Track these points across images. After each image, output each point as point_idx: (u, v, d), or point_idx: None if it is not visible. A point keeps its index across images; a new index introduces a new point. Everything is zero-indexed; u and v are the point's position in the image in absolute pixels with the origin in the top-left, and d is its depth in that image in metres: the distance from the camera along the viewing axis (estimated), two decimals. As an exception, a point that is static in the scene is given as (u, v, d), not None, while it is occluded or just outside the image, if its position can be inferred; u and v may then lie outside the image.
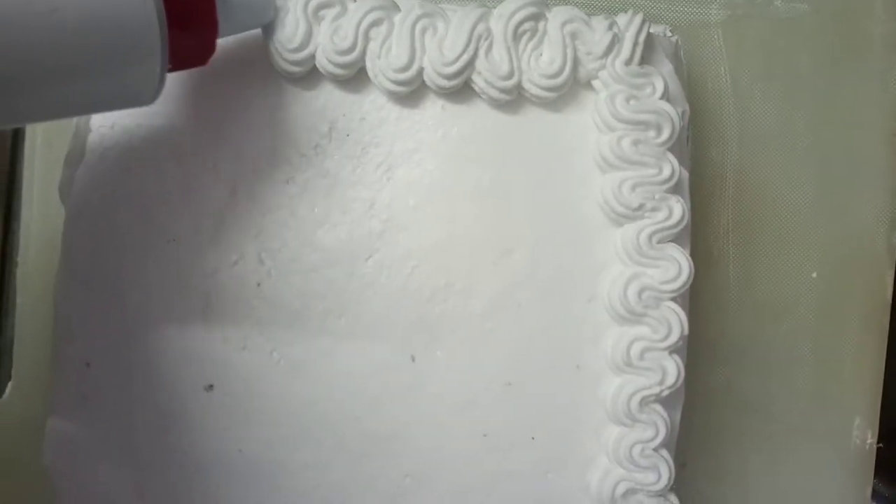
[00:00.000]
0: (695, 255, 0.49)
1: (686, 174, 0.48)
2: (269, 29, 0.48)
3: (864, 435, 0.58)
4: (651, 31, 0.49)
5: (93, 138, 0.50)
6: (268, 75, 0.50)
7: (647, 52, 0.48)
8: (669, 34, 0.55)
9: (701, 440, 0.58)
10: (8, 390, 0.62)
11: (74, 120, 0.52)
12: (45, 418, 0.52)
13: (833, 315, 0.58)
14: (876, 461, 0.59)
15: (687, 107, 0.49)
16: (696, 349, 0.51)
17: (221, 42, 0.44)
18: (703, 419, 0.57)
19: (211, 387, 0.50)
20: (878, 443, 0.58)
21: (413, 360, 0.49)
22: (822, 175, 0.58)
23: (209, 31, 0.43)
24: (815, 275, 0.58)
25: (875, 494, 0.59)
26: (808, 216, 0.58)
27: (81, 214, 0.50)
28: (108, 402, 0.51)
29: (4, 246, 0.65)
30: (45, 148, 0.61)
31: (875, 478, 0.59)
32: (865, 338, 0.58)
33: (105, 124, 0.50)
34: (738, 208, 0.58)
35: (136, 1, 0.37)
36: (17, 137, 0.64)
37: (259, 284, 0.49)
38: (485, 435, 0.49)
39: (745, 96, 0.58)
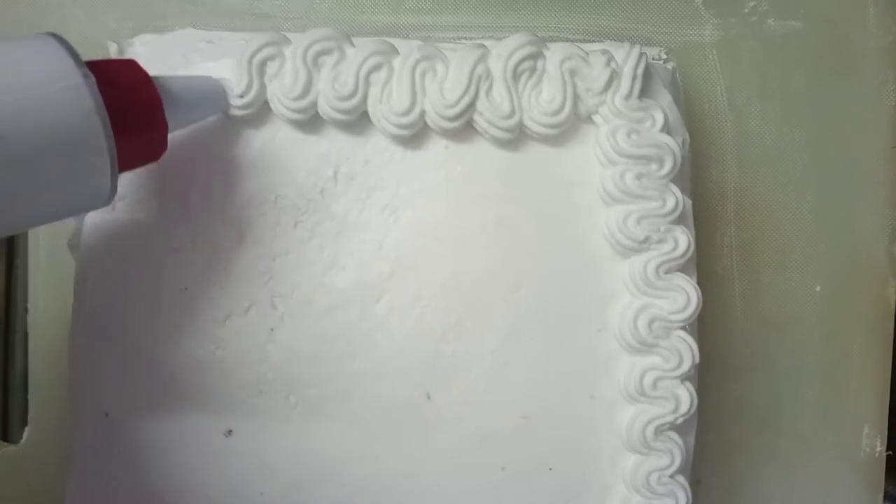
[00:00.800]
0: (700, 274, 0.50)
1: (689, 203, 0.48)
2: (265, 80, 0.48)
3: (873, 443, 0.59)
4: (646, 54, 0.49)
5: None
6: (270, 121, 0.50)
7: (646, 83, 0.48)
8: (664, 57, 0.55)
9: (714, 456, 0.58)
10: (25, 436, 0.62)
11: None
12: (65, 465, 0.53)
13: (838, 327, 0.59)
14: (886, 467, 0.59)
15: (687, 135, 0.50)
16: (706, 366, 0.51)
17: None
18: (716, 435, 0.58)
19: (230, 432, 0.50)
20: (887, 450, 0.59)
21: (428, 397, 0.49)
22: (822, 190, 0.58)
23: (158, 132, 0.43)
24: (818, 288, 0.59)
25: (887, 497, 0.60)
26: (809, 231, 0.58)
27: (92, 266, 0.51)
28: (128, 451, 0.51)
29: (8, 288, 0.66)
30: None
31: (886, 482, 0.60)
32: (871, 347, 0.59)
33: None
34: (741, 226, 0.59)
35: (82, 117, 0.38)
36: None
37: (272, 329, 0.50)
38: (503, 468, 0.49)
39: (743, 115, 0.58)
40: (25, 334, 0.63)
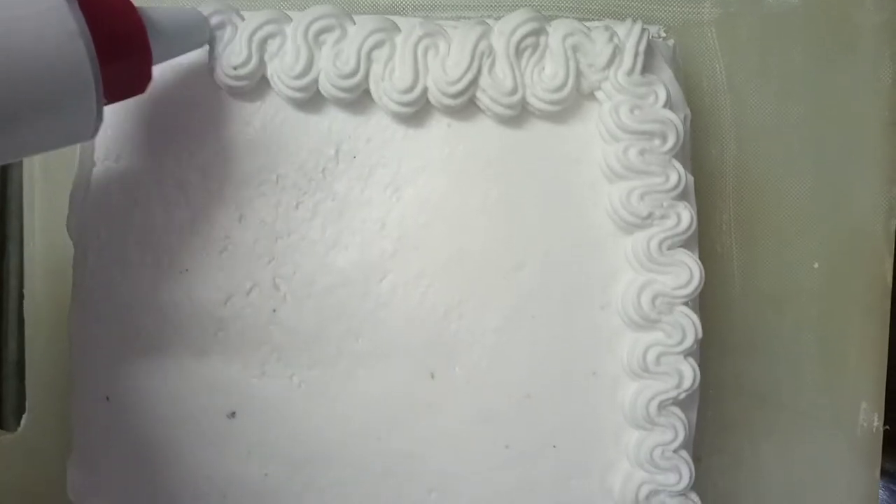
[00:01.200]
0: (700, 251, 0.50)
1: (692, 179, 0.48)
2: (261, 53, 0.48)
3: (870, 418, 0.59)
4: (648, 30, 0.49)
5: (97, 172, 0.50)
6: (270, 99, 0.50)
7: (648, 59, 0.48)
8: (664, 35, 0.55)
9: (713, 433, 0.59)
10: (24, 422, 0.62)
11: (77, 153, 0.52)
12: (65, 451, 0.53)
13: (836, 303, 0.59)
14: (883, 442, 0.60)
15: (688, 111, 0.50)
16: (705, 344, 0.51)
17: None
18: (715, 412, 0.58)
19: (233, 413, 0.50)
20: (884, 425, 0.59)
21: (432, 377, 0.49)
22: (820, 167, 0.59)
23: (143, 60, 0.43)
24: (816, 265, 0.59)
25: (884, 473, 0.61)
26: (807, 208, 0.59)
27: (90, 249, 0.51)
28: (130, 434, 0.51)
29: (0, 275, 0.66)
30: (43, 177, 0.61)
31: (883, 458, 0.60)
32: (868, 324, 0.59)
33: (109, 157, 0.50)
34: (739, 203, 0.59)
35: (65, 39, 0.37)
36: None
37: (275, 310, 0.50)
38: (507, 446, 0.49)
39: (741, 92, 0.58)
40: (22, 321, 0.63)
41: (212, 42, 0.48)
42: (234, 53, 0.48)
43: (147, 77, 0.44)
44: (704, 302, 0.51)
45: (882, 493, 0.61)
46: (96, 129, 0.41)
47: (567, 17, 0.49)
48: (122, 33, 0.41)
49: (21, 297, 0.63)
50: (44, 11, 0.36)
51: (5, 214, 0.66)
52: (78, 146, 0.51)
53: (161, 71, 0.48)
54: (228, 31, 0.48)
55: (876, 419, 0.59)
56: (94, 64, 0.38)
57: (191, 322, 0.50)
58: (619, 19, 0.53)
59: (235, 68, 0.48)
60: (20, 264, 0.63)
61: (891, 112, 0.58)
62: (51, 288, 0.61)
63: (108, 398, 0.51)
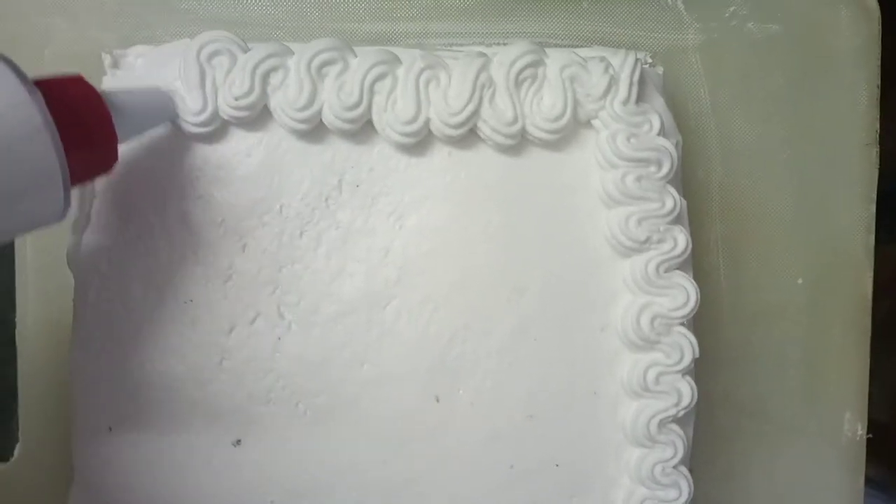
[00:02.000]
0: (689, 271, 0.51)
1: (685, 203, 0.50)
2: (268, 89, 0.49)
3: (854, 428, 0.62)
4: (641, 61, 0.51)
5: (97, 205, 0.51)
6: (273, 130, 0.50)
7: (641, 88, 0.50)
8: (650, 61, 0.57)
9: (704, 446, 0.60)
10: (17, 451, 0.61)
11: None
12: (59, 479, 0.52)
13: (819, 317, 0.61)
14: (867, 451, 0.62)
15: (680, 137, 0.52)
16: (695, 359, 0.53)
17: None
18: (705, 425, 0.60)
19: (239, 442, 0.50)
20: (867, 434, 0.62)
21: (437, 400, 0.50)
22: (802, 186, 0.61)
23: (108, 145, 0.44)
24: (800, 281, 0.61)
25: (868, 481, 0.63)
26: (790, 226, 0.61)
27: (92, 283, 0.51)
28: (133, 464, 0.51)
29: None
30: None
31: (867, 465, 0.63)
32: (850, 336, 0.62)
33: (108, 189, 0.51)
34: (725, 223, 0.61)
35: (30, 133, 0.38)
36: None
37: (280, 339, 0.50)
38: (511, 466, 0.50)
39: (726, 116, 0.60)
40: (14, 348, 0.62)
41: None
42: (235, 84, 0.48)
43: (113, 159, 0.45)
44: (694, 319, 0.52)
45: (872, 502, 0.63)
46: (65, 213, 0.42)
47: (554, 46, 0.51)
48: (88, 122, 0.42)
49: (1, 321, 0.62)
50: (9, 107, 0.37)
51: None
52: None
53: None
54: (227, 60, 0.49)
55: (859, 428, 0.62)
56: (60, 155, 0.39)
57: (195, 352, 0.50)
58: (606, 46, 0.55)
59: (237, 99, 0.48)
60: (13, 290, 0.63)
61: (867, 133, 0.61)
62: (43, 314, 0.61)
63: (110, 429, 0.51)
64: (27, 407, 0.61)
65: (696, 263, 0.58)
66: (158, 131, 0.50)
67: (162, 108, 0.48)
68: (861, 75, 0.60)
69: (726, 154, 0.60)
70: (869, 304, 0.62)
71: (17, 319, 0.61)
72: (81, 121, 0.41)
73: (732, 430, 0.61)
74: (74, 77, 0.43)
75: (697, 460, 0.59)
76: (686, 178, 0.58)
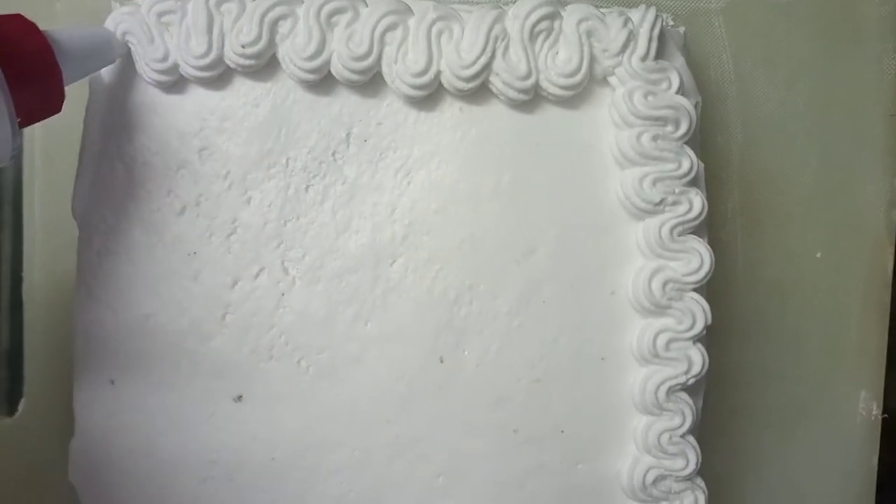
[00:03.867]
0: (705, 239, 0.50)
1: (702, 166, 0.49)
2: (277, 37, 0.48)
3: (869, 407, 0.60)
4: (662, 16, 0.49)
5: (102, 156, 0.50)
6: (281, 81, 0.49)
7: (660, 45, 0.48)
8: (671, 23, 0.55)
9: (714, 420, 0.59)
10: (21, 406, 0.61)
11: (80, 136, 0.51)
12: (64, 435, 0.52)
13: (837, 292, 0.60)
14: (882, 430, 0.61)
15: (699, 98, 0.50)
16: (708, 330, 0.52)
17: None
18: (716, 399, 0.58)
19: (240, 397, 0.50)
20: (883, 413, 0.60)
21: (441, 361, 0.49)
22: (824, 157, 0.59)
23: (53, 80, 0.43)
24: (819, 254, 0.60)
25: (881, 461, 0.61)
26: (811, 197, 0.59)
27: (96, 233, 0.50)
28: (134, 418, 0.51)
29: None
30: (44, 161, 0.60)
31: (881, 445, 0.61)
32: (869, 313, 0.60)
33: (112, 138, 0.50)
34: (744, 192, 0.59)
35: None
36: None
37: (284, 294, 0.49)
38: (515, 431, 0.49)
39: (748, 82, 0.58)
40: (13, 307, 0.62)
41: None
42: (242, 32, 0.47)
43: (60, 96, 0.44)
44: (708, 289, 0.51)
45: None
46: (13, 152, 0.41)
47: (580, 3, 0.49)
48: (29, 56, 0.42)
49: (13, 284, 0.62)
50: None
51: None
52: (81, 130, 0.51)
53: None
54: (236, 6, 0.48)
55: (875, 408, 0.60)
56: (3, 88, 0.39)
57: (198, 305, 0.50)
58: (629, 6, 0.53)
59: (244, 46, 0.47)
60: (12, 251, 0.63)
61: (893, 104, 0.59)
62: (50, 273, 0.60)
63: (112, 382, 0.51)
64: (32, 363, 0.61)
65: (713, 233, 0.57)
66: (164, 79, 0.48)
67: (106, 48, 0.48)
68: (889, 43, 0.58)
69: (747, 121, 0.59)
70: (889, 280, 0.60)
71: (24, 276, 0.61)
72: (23, 56, 0.41)
73: (745, 404, 0.60)
74: (14, 15, 0.42)
75: (706, 434, 0.58)
76: (705, 145, 0.56)
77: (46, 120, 0.48)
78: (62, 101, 0.44)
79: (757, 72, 0.58)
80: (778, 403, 0.60)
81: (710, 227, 0.50)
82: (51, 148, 0.59)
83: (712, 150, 0.58)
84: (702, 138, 0.55)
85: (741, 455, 0.60)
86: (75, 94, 0.47)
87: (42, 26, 0.42)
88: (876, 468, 0.61)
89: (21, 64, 0.41)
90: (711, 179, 0.57)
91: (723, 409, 0.59)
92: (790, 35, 0.58)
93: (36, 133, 0.59)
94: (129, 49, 0.49)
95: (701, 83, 0.56)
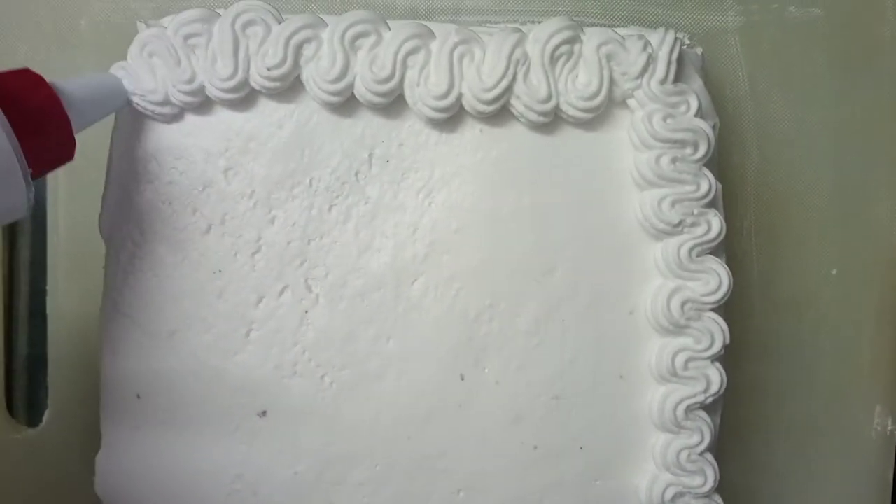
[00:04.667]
0: (721, 257, 0.50)
1: (720, 187, 0.49)
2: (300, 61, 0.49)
3: (885, 422, 0.61)
4: (680, 40, 0.50)
5: (129, 172, 0.51)
6: (304, 103, 0.50)
7: (679, 68, 0.49)
8: (688, 42, 0.56)
9: (731, 434, 0.59)
10: (46, 417, 0.62)
11: (103, 143, 0.52)
12: (88, 447, 0.53)
13: (852, 309, 0.60)
14: (897, 446, 0.61)
15: (717, 119, 0.51)
16: (725, 348, 0.52)
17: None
18: (732, 414, 0.59)
19: (264, 413, 0.51)
20: (898, 429, 0.61)
21: (462, 378, 0.50)
22: (839, 176, 0.60)
23: (63, 130, 0.44)
24: (834, 271, 0.60)
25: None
26: (826, 215, 0.60)
27: (123, 249, 0.51)
28: (160, 431, 0.51)
29: (10, 272, 0.65)
30: (67, 174, 0.61)
31: (896, 460, 0.62)
32: (884, 330, 0.61)
33: (138, 158, 0.51)
34: (760, 210, 0.60)
35: None
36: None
37: (307, 311, 0.50)
38: (535, 447, 0.50)
39: (764, 101, 0.59)
40: (33, 315, 0.63)
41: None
42: (268, 55, 0.48)
43: (71, 145, 0.45)
44: (724, 306, 0.52)
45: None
46: (30, 205, 0.42)
47: (597, 25, 0.50)
48: (37, 108, 0.42)
49: (32, 291, 0.63)
50: None
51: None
52: (109, 144, 0.52)
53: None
54: (261, 30, 0.48)
55: (890, 423, 0.61)
56: (13, 142, 0.40)
57: (223, 322, 0.50)
58: (645, 26, 0.54)
59: (269, 69, 0.48)
60: (31, 258, 0.64)
61: (909, 120, 0.59)
62: (74, 283, 0.61)
63: (138, 396, 0.51)
64: (56, 374, 0.62)
65: (729, 250, 0.58)
66: (191, 101, 0.49)
67: (114, 95, 0.49)
68: (904, 63, 0.59)
69: (763, 140, 0.59)
70: (904, 297, 0.60)
71: (48, 289, 0.62)
72: (31, 108, 0.42)
73: (760, 420, 0.61)
74: (21, 70, 0.43)
75: (723, 449, 0.59)
76: (721, 163, 0.57)
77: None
78: (73, 149, 0.45)
79: (773, 91, 0.59)
80: (793, 419, 0.61)
81: (725, 243, 0.51)
82: (75, 162, 0.60)
83: (728, 169, 0.58)
84: (719, 156, 0.56)
85: (757, 470, 0.61)
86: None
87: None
88: (891, 484, 0.61)
89: (30, 117, 0.41)
90: (727, 197, 0.57)
91: (738, 423, 0.60)
92: (806, 55, 0.59)
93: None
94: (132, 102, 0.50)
95: (717, 103, 0.57)
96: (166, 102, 0.49)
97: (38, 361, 0.63)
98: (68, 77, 0.46)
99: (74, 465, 0.60)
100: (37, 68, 0.43)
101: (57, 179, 0.61)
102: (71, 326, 0.62)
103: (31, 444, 0.62)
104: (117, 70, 0.49)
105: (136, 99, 0.49)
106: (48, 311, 0.62)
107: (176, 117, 0.50)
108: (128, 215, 0.51)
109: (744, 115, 0.59)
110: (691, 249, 0.48)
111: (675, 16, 0.58)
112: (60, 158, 0.45)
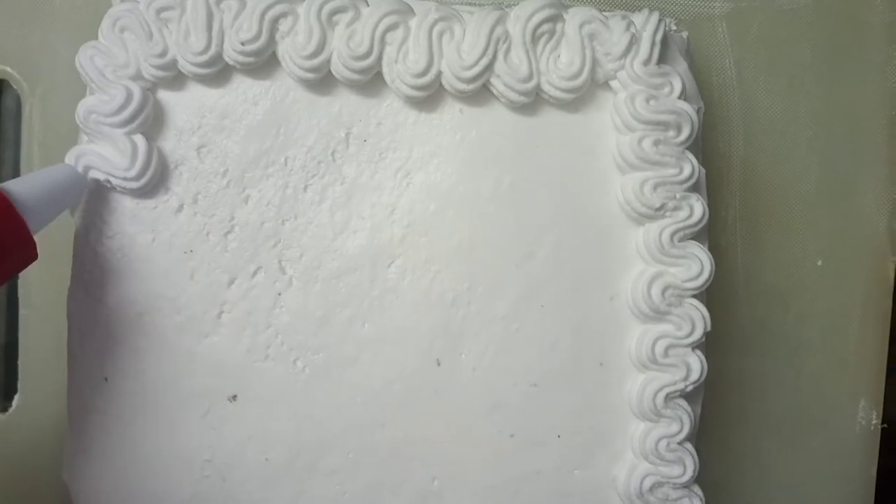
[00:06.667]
0: (705, 246, 0.50)
1: (703, 171, 0.48)
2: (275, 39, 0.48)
3: (869, 416, 0.60)
4: (665, 21, 0.49)
5: (100, 149, 0.49)
6: (280, 80, 0.49)
7: (663, 50, 0.48)
8: (675, 28, 0.55)
9: (713, 426, 0.58)
10: (15, 402, 0.61)
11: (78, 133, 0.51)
12: (58, 432, 0.52)
13: (838, 301, 0.60)
14: (881, 440, 0.60)
15: (702, 103, 0.50)
16: (707, 337, 0.51)
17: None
18: (715, 405, 0.58)
19: (235, 397, 0.49)
20: (882, 423, 0.60)
21: (438, 364, 0.49)
22: (826, 164, 0.59)
23: (20, 236, 0.43)
24: (820, 262, 0.59)
25: (880, 471, 0.61)
26: (812, 205, 0.59)
27: (92, 229, 0.50)
28: (128, 415, 0.50)
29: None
30: (41, 156, 0.60)
31: (880, 455, 0.61)
32: (869, 322, 0.60)
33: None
34: (745, 199, 0.59)
35: None
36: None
37: (280, 294, 0.49)
38: (512, 435, 0.49)
39: (750, 88, 0.58)
40: (9, 303, 0.62)
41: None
42: (243, 29, 0.47)
43: (31, 246, 0.44)
44: (708, 296, 0.51)
45: None
46: None
47: (583, 6, 0.49)
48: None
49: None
50: None
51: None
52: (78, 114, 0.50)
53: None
54: (236, 3, 0.47)
55: (874, 417, 0.60)
56: None
57: (194, 303, 0.49)
58: (632, 10, 0.53)
59: (244, 44, 0.47)
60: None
61: (896, 109, 0.59)
62: (46, 270, 0.60)
63: (106, 379, 0.50)
64: (27, 359, 0.61)
65: (713, 239, 0.57)
66: (162, 75, 0.48)
67: (73, 186, 0.47)
68: (893, 51, 0.58)
69: (749, 128, 0.59)
70: (890, 289, 0.60)
71: (20, 275, 0.60)
72: None
73: (743, 412, 0.60)
74: None
75: (705, 441, 0.58)
76: (707, 152, 0.56)
77: (44, 107, 0.47)
78: (35, 249, 0.44)
79: (759, 78, 0.58)
80: (777, 411, 0.60)
81: (710, 234, 0.50)
82: (48, 138, 0.59)
83: (714, 157, 0.58)
84: (703, 144, 0.55)
85: (739, 462, 0.60)
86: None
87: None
88: (874, 477, 0.60)
89: None
90: (712, 185, 0.56)
91: (721, 416, 0.59)
92: (793, 42, 0.58)
93: (35, 121, 0.59)
94: (94, 184, 0.48)
95: (703, 89, 0.56)
96: (138, 77, 0.48)
97: (10, 347, 0.62)
98: (21, 175, 0.44)
99: (44, 451, 0.58)
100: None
101: (31, 156, 0.60)
102: (42, 311, 0.61)
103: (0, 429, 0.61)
104: (70, 157, 0.48)
105: (101, 177, 0.48)
106: (19, 295, 0.61)
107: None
108: (98, 194, 0.50)
109: (730, 103, 0.58)
110: (673, 234, 0.47)
111: (663, 1, 0.58)
112: (23, 261, 0.44)
